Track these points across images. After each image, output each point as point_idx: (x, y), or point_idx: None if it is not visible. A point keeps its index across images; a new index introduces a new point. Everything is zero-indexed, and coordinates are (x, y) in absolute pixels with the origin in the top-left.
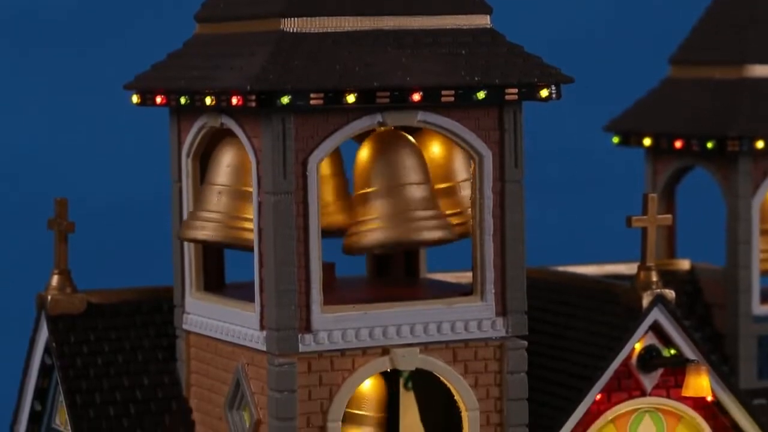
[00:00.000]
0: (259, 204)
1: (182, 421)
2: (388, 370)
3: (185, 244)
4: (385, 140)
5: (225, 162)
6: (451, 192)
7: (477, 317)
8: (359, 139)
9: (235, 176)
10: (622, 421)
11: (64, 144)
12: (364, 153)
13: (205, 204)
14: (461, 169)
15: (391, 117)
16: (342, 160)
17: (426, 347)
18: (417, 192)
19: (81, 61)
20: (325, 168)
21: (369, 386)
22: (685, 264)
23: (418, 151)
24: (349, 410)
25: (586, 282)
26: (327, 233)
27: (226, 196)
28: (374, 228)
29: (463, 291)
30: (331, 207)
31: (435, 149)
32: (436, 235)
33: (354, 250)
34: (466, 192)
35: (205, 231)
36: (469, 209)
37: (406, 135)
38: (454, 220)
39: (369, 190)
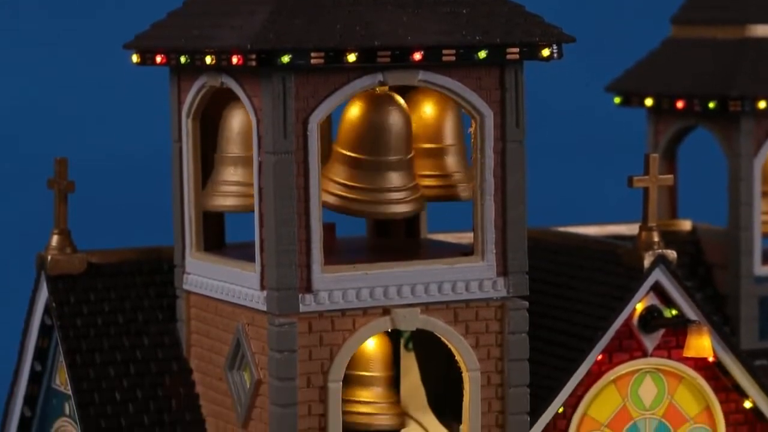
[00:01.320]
0: (260, 164)
1: (182, 381)
2: (389, 330)
3: (185, 204)
4: (376, 103)
5: (235, 129)
6: (438, 154)
7: (478, 277)
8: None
9: (248, 143)
10: (623, 381)
11: (64, 104)
12: (354, 112)
13: (222, 174)
14: (450, 133)
15: (391, 76)
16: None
17: (427, 307)
18: (398, 168)
19: (80, 21)
20: None
21: (374, 346)
22: (686, 225)
23: (406, 118)
24: (357, 372)
25: (588, 243)
26: None
27: (241, 166)
28: (353, 197)
29: (464, 251)
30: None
31: (427, 109)
32: (405, 208)
33: (331, 208)
34: (452, 157)
35: (227, 202)
36: (456, 174)
37: (397, 97)
38: (437, 182)
39: (354, 155)
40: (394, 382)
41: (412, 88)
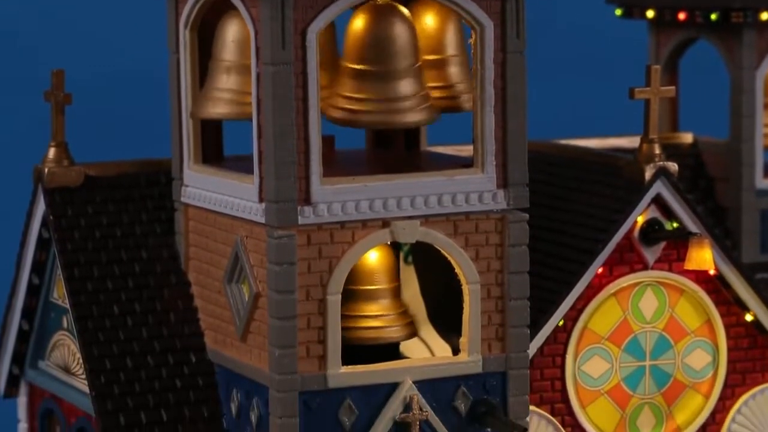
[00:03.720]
0: (258, 75)
1: (181, 294)
2: (389, 242)
3: (183, 116)
4: (379, 13)
5: (230, 37)
6: (440, 65)
7: (478, 189)
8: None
9: (242, 51)
10: (624, 294)
11: (63, 15)
12: (358, 24)
13: (215, 81)
14: (452, 43)
15: None
16: (334, 25)
17: (426, 220)
18: (405, 74)
19: None
20: None
21: (376, 259)
22: (687, 137)
23: (411, 27)
24: (362, 287)
25: (589, 155)
26: None
27: (234, 73)
28: (357, 109)
29: (464, 163)
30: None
31: (428, 20)
32: (417, 117)
33: (330, 118)
34: (454, 68)
35: (218, 109)
36: (458, 84)
37: (401, 8)
38: (440, 94)
39: (360, 67)
40: (399, 292)
41: (412, 0)
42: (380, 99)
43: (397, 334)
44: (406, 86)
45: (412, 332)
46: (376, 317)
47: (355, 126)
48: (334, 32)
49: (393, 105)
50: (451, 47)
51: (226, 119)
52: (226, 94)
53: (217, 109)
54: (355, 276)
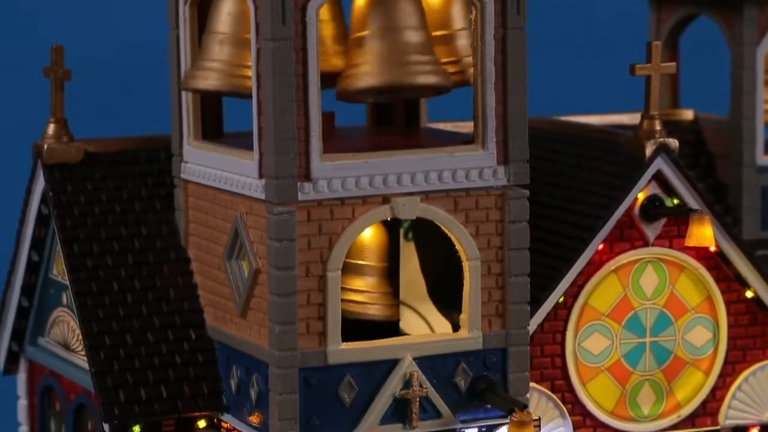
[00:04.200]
0: (258, 51)
1: (180, 270)
2: (389, 219)
3: (183, 92)
4: None
5: (225, 10)
6: (448, 40)
7: (478, 166)
8: None
9: (236, 24)
10: (625, 271)
11: None
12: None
13: (207, 53)
14: (459, 17)
15: None
16: (341, 5)
17: (427, 196)
18: (413, 36)
19: None
20: (324, 13)
21: (370, 236)
22: (688, 114)
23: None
24: (351, 260)
25: (589, 132)
26: (327, 82)
27: (228, 45)
28: (368, 71)
29: (465, 139)
30: (330, 51)
31: None
32: (431, 79)
33: (348, 93)
34: (462, 41)
35: (208, 80)
36: (466, 58)
37: None
38: (450, 69)
39: (364, 33)
40: (388, 273)
41: None
42: (392, 59)
43: (380, 312)
44: (417, 48)
45: (395, 314)
46: (360, 292)
47: (370, 91)
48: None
49: (407, 67)
50: (457, 21)
51: (215, 92)
52: (217, 65)
53: (208, 81)
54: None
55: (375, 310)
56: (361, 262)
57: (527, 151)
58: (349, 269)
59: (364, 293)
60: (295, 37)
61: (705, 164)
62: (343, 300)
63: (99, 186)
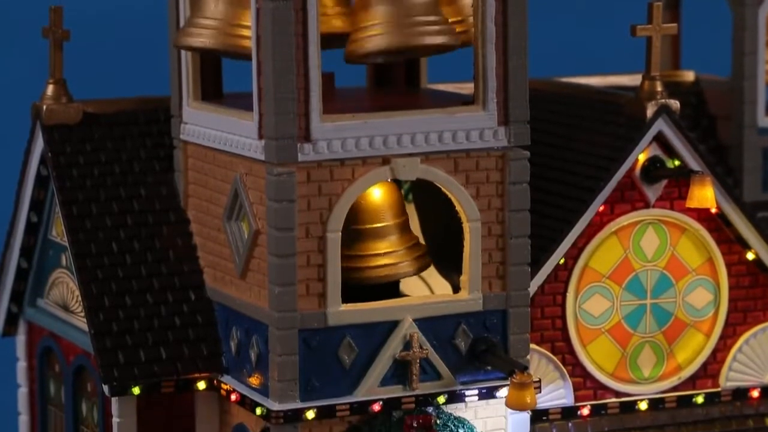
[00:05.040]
0: (258, 10)
1: (180, 232)
2: (389, 180)
3: (183, 53)
4: None
5: None
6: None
7: (478, 127)
8: None
9: None
10: (625, 232)
11: None
12: None
13: (203, 11)
14: None
15: None
16: None
17: (427, 157)
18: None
19: None
20: None
21: (381, 195)
22: (689, 75)
23: None
24: (370, 226)
25: (590, 93)
26: (326, 43)
27: (223, 3)
28: (376, 34)
29: (465, 100)
30: (330, 12)
31: None
32: (438, 40)
33: (356, 56)
34: (466, 0)
35: (202, 38)
36: (470, 17)
37: None
38: (456, 28)
39: None
40: (408, 226)
41: None
42: (400, 21)
43: (410, 268)
44: (425, 9)
45: (426, 264)
46: (387, 254)
47: (379, 54)
48: None
49: (414, 28)
50: None
51: (208, 50)
52: (211, 23)
53: (202, 39)
54: (361, 215)
55: (405, 267)
56: (378, 225)
57: (528, 112)
58: (369, 235)
59: (390, 254)
60: None
61: (706, 126)
62: (371, 267)
63: (98, 147)
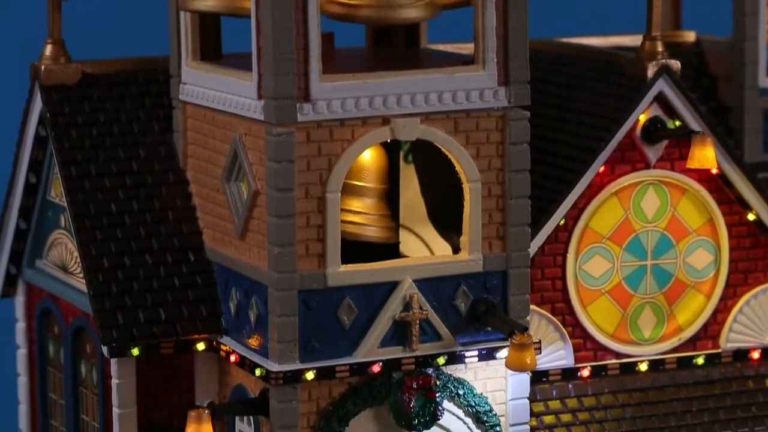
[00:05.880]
0: None
1: (179, 192)
2: (389, 140)
3: (182, 13)
4: None
5: None
6: None
7: (479, 87)
8: None
9: None
10: (626, 193)
11: None
12: None
13: None
14: None
15: None
16: None
17: (427, 117)
18: None
19: None
20: None
21: (369, 157)
22: (690, 36)
23: None
24: (350, 181)
25: (591, 53)
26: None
27: None
28: (359, 4)
29: (465, 60)
30: None
31: None
32: (415, 13)
33: (344, 18)
34: None
35: (207, 1)
36: None
37: None
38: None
39: None
40: (387, 196)
41: None
42: None
43: (378, 234)
44: None
45: (392, 236)
46: (359, 213)
47: (352, 21)
48: None
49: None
50: None
51: (214, 12)
52: None
53: (207, 2)
54: None
55: (372, 231)
56: (359, 183)
57: (528, 72)
58: (347, 190)
59: (361, 214)
60: None
61: (707, 87)
62: (342, 221)
63: (97, 107)
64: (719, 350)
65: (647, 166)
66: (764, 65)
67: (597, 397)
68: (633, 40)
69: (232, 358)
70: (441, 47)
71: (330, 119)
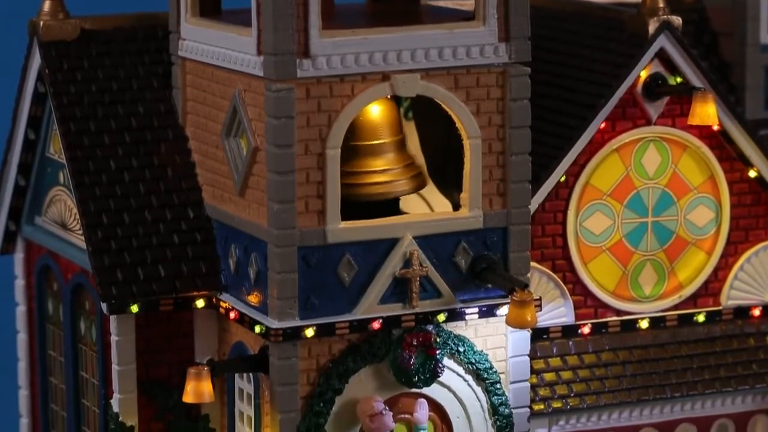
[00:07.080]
0: None
1: (178, 149)
2: (388, 96)
3: None
4: None
5: None
6: None
7: (479, 43)
8: None
9: None
10: (627, 150)
11: None
12: None
13: None
14: None
15: None
16: None
17: (427, 73)
18: None
19: None
20: None
21: (378, 113)
22: None
23: None
24: (367, 142)
25: (591, 9)
26: None
27: None
28: None
29: (465, 16)
30: None
31: None
32: None
33: None
34: None
35: None
36: None
37: None
38: None
39: None
40: (404, 144)
41: None
42: None
43: (406, 187)
44: None
45: (421, 183)
46: (384, 172)
47: None
48: None
49: None
50: None
51: None
52: None
53: None
54: (358, 131)
55: (401, 186)
56: (375, 141)
57: (529, 28)
58: (365, 152)
59: (387, 172)
60: None
61: (708, 43)
62: (367, 184)
63: (96, 64)
64: (720, 307)
65: (648, 123)
66: (766, 21)
67: (597, 354)
68: None
69: (232, 315)
70: (441, 3)
71: (330, 75)
